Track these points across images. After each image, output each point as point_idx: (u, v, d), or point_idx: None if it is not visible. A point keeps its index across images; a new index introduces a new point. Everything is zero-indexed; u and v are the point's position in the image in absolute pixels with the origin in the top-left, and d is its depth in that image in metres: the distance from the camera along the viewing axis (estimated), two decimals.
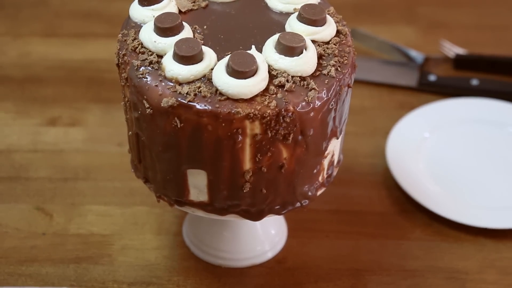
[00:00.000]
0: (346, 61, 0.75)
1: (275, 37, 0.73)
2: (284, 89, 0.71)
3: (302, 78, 0.72)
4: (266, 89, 0.71)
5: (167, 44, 0.73)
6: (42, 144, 1.06)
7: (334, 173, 0.83)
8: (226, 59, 0.71)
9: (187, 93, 0.70)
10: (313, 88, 0.71)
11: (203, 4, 0.80)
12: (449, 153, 1.05)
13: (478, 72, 1.20)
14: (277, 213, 0.79)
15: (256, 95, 0.70)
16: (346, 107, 0.79)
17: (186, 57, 0.71)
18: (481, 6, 1.35)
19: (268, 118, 0.70)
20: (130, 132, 0.79)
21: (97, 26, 1.28)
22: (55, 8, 1.33)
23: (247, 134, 0.71)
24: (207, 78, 0.71)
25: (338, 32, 0.77)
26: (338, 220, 0.97)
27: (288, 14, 0.78)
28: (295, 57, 0.72)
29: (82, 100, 1.13)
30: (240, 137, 0.71)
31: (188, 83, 0.71)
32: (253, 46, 0.74)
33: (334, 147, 0.80)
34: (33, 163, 1.03)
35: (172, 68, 0.71)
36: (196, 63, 0.71)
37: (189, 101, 0.70)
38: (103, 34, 1.26)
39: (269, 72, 0.72)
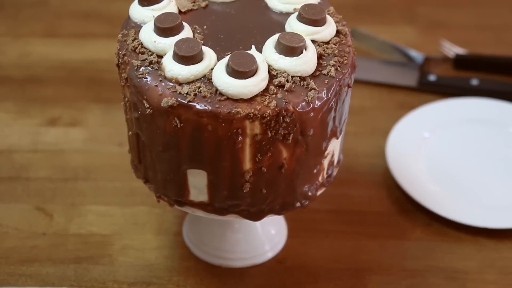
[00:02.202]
0: (346, 61, 0.75)
1: (275, 37, 0.73)
2: (284, 89, 0.71)
3: (302, 78, 0.72)
4: (266, 89, 0.71)
5: (167, 44, 0.73)
6: (43, 144, 1.06)
7: (334, 173, 0.83)
8: (226, 59, 0.71)
9: (187, 93, 0.70)
10: (313, 88, 0.71)
11: (203, 4, 0.80)
12: (449, 153, 1.05)
13: (478, 72, 1.20)
14: (277, 213, 0.79)
15: (256, 95, 0.70)
16: (346, 107, 0.79)
17: (186, 57, 0.71)
18: (481, 6, 1.35)
19: (268, 118, 0.70)
20: (130, 132, 0.80)
21: (97, 26, 1.28)
22: (55, 8, 1.33)
23: (247, 134, 0.71)
24: (207, 78, 0.71)
25: (338, 32, 0.77)
26: (338, 220, 0.97)
27: (288, 14, 0.79)
28: (295, 57, 0.72)
29: (82, 100, 1.13)
30: (240, 137, 0.71)
31: (188, 83, 0.71)
32: (253, 46, 0.74)
33: (334, 147, 0.80)
34: (34, 163, 1.03)
35: (172, 68, 0.71)
36: (196, 63, 0.71)
37: (189, 101, 0.70)
38: (103, 34, 1.26)
39: (269, 72, 0.72)
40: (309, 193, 0.79)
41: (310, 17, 0.75)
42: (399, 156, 1.02)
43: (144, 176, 0.81)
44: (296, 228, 0.95)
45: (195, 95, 0.70)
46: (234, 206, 0.77)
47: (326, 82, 0.72)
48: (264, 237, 0.92)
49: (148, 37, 0.74)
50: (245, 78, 0.70)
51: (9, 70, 1.19)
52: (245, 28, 0.77)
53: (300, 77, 0.72)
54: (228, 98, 0.70)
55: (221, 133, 0.70)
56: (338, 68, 0.74)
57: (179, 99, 0.70)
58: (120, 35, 0.77)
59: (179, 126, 0.71)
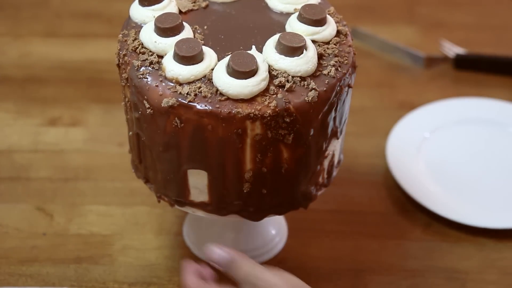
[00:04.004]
0: (346, 61, 0.75)
1: (276, 37, 0.73)
2: (285, 89, 0.71)
3: (303, 78, 0.72)
4: (267, 89, 0.71)
5: (167, 44, 0.73)
6: (43, 144, 1.06)
7: (335, 174, 0.83)
8: (226, 59, 0.71)
9: (187, 93, 0.70)
10: (314, 88, 0.71)
11: (204, 4, 0.81)
12: (449, 153, 1.05)
13: (478, 72, 1.20)
14: (277, 213, 0.79)
15: (257, 95, 0.70)
16: (346, 107, 0.79)
17: (187, 57, 0.71)
18: (481, 6, 1.35)
19: (269, 118, 0.70)
20: (131, 132, 0.80)
21: (98, 26, 1.28)
22: (55, 8, 1.32)
23: (248, 134, 0.71)
24: (207, 78, 0.71)
25: (338, 32, 0.77)
26: (338, 220, 0.97)
27: (289, 14, 0.79)
28: (296, 57, 0.72)
29: (82, 100, 1.13)
30: (240, 137, 0.71)
31: (189, 83, 0.71)
32: (253, 46, 0.74)
33: (335, 147, 0.80)
34: (34, 163, 1.03)
35: (173, 68, 0.71)
36: (197, 63, 0.72)
37: (189, 101, 0.70)
38: (103, 34, 1.26)
39: (269, 72, 0.72)
40: (310, 193, 0.79)
41: (311, 17, 0.75)
42: (399, 156, 1.02)
43: (145, 176, 0.81)
44: (296, 228, 0.95)
45: (195, 95, 0.70)
46: (235, 206, 0.77)
47: (326, 82, 0.72)
48: (264, 237, 0.92)
49: (149, 37, 0.74)
50: (245, 78, 0.70)
51: (9, 70, 1.19)
52: (245, 28, 0.77)
53: (300, 77, 0.72)
54: (228, 98, 0.70)
55: (222, 133, 0.70)
56: (339, 68, 0.74)
57: (180, 99, 0.70)
58: (120, 35, 0.77)
59: (179, 126, 0.71)
